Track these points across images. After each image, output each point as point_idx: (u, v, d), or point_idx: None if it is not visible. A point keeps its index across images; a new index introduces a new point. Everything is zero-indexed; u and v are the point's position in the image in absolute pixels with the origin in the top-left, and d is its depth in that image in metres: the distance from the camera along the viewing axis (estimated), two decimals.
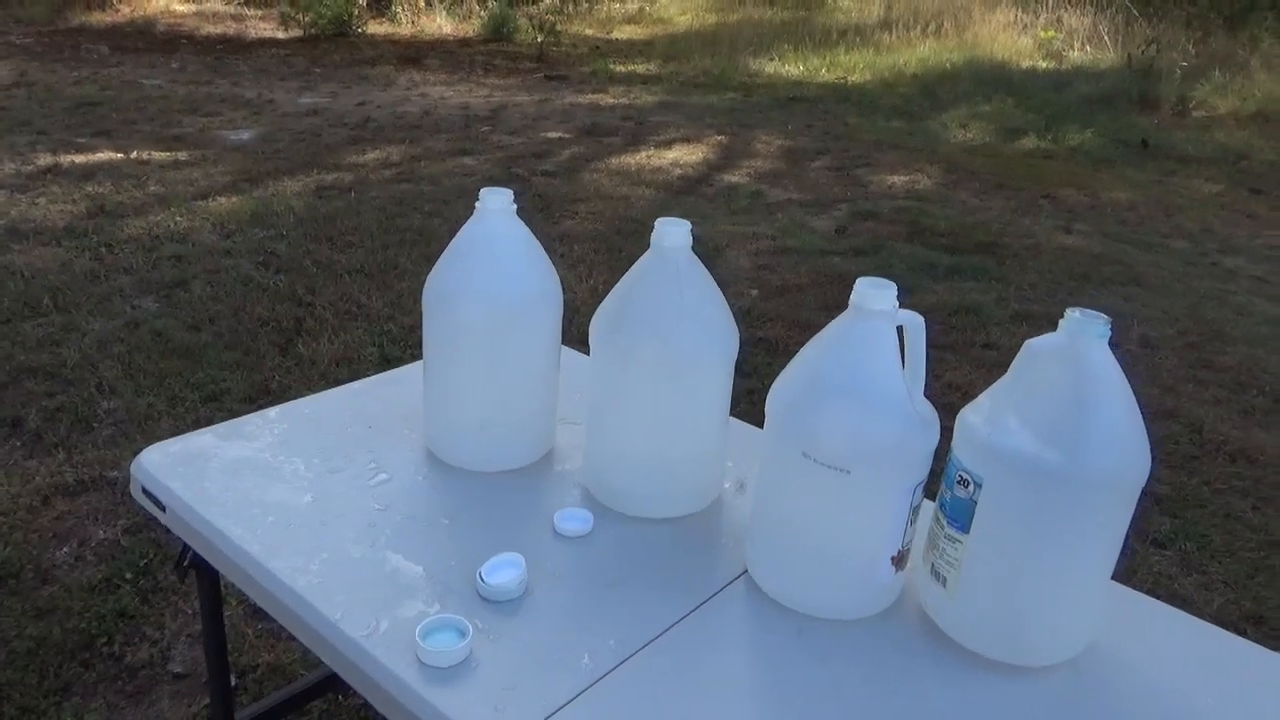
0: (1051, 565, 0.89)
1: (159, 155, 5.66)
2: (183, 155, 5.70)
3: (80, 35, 9.75)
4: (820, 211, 5.33)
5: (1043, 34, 10.45)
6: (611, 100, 8.30)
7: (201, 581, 1.24)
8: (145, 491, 1.17)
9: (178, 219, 4.53)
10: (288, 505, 1.12)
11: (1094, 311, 0.87)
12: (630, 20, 12.90)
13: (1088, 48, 10.15)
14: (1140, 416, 0.87)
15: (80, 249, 4.10)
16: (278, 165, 5.59)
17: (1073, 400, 0.85)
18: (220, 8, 12.05)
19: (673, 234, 1.07)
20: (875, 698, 0.89)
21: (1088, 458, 0.84)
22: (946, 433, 0.96)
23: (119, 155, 5.60)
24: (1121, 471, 0.86)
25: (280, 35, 10.69)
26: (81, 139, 5.92)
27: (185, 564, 1.20)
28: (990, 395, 0.93)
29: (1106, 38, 10.08)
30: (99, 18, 10.81)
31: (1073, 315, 0.87)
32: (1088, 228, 5.28)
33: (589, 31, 12.15)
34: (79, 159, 5.45)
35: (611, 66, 9.94)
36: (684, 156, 6.42)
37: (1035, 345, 0.89)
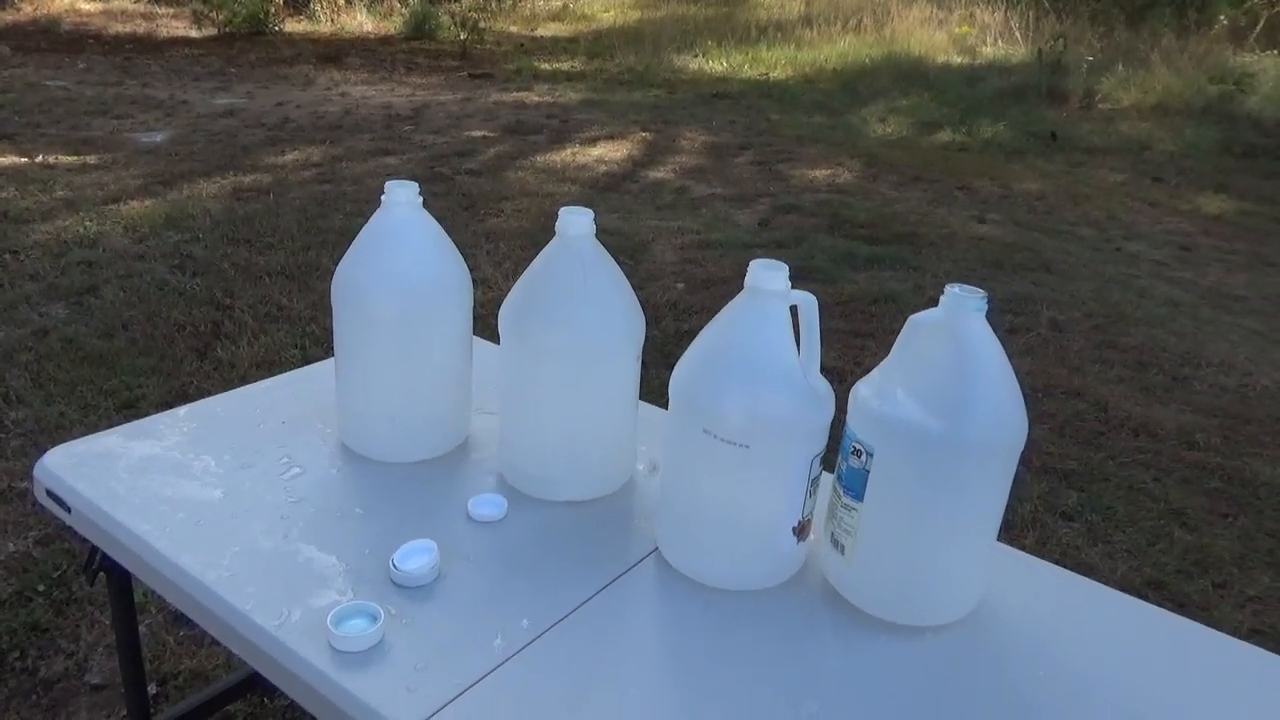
0: (939, 528, 0.94)
1: (66, 159, 5.47)
2: (91, 159, 5.53)
3: None
4: (744, 206, 5.41)
5: (957, 30, 10.75)
6: (536, 98, 8.29)
7: (112, 584, 1.23)
8: (50, 494, 1.15)
9: (87, 224, 4.40)
10: (197, 501, 1.11)
11: (971, 287, 0.92)
12: (554, 17, 12.87)
13: (1000, 43, 10.46)
14: (1016, 384, 0.92)
15: None
16: (192, 167, 5.46)
17: (953, 371, 0.90)
18: (129, 6, 11.67)
19: (576, 223, 1.09)
20: (780, 662, 0.93)
21: (968, 425, 0.89)
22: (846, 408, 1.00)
23: (23, 159, 5.40)
24: (1000, 437, 0.91)
25: (193, 34, 10.41)
26: None
27: (94, 567, 1.19)
28: (880, 369, 0.97)
29: (1018, 33, 10.40)
30: None
31: (951, 291, 0.92)
32: (1000, 217, 5.46)
33: (513, 29, 12.09)
34: None
35: (536, 64, 9.91)
36: (609, 153, 6.45)
37: (918, 320, 0.94)
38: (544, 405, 1.13)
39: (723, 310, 1.00)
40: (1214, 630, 1.03)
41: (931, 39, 10.70)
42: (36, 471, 1.17)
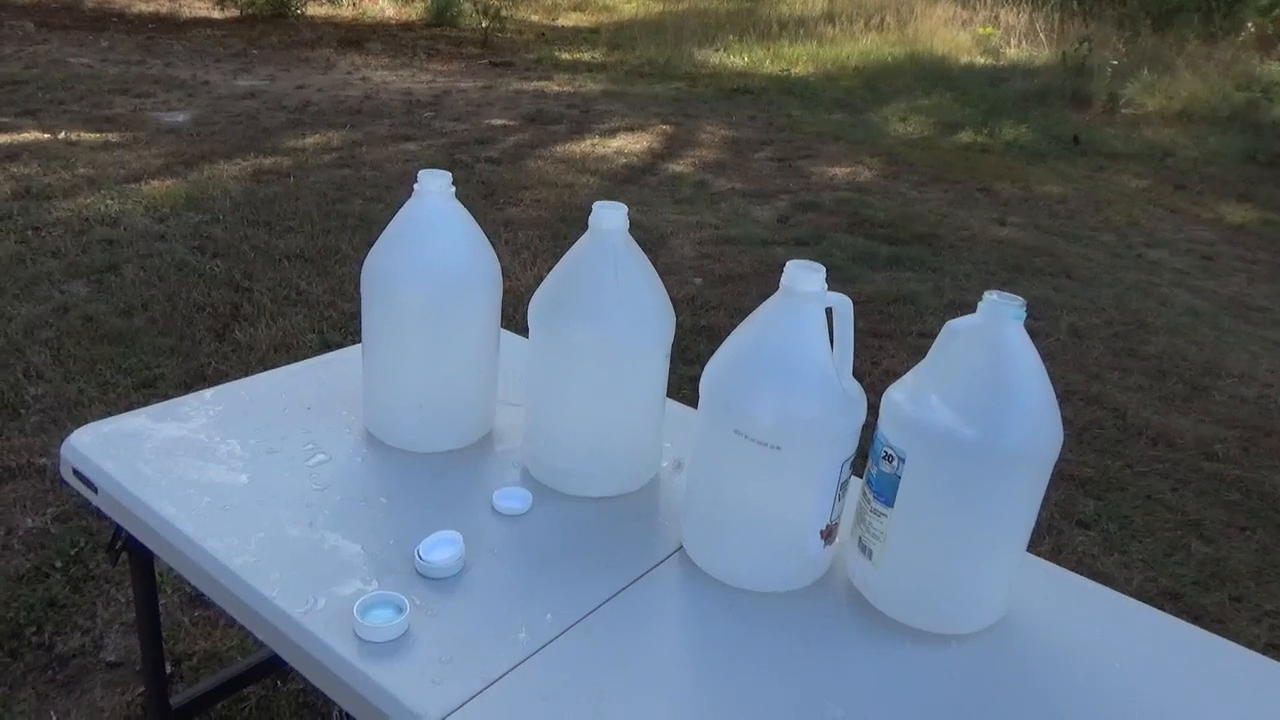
0: (970, 535, 0.94)
1: (88, 136, 5.50)
2: (113, 137, 5.55)
3: (3, 11, 9.39)
4: (763, 202, 5.39)
5: (981, 30, 10.68)
6: (556, 88, 8.27)
7: (134, 564, 1.23)
8: (76, 473, 1.15)
9: (108, 202, 4.41)
10: (224, 485, 1.11)
11: (1010, 294, 0.91)
12: (576, 7, 12.84)
13: (1024, 44, 10.39)
14: (1053, 393, 0.91)
15: (5, 232, 3.97)
16: (213, 148, 5.47)
17: (989, 378, 0.89)
18: None
19: (610, 217, 1.08)
20: (804, 666, 0.92)
21: (1003, 433, 0.89)
22: (877, 412, 0.99)
23: (46, 136, 5.42)
24: (1034, 445, 0.90)
25: (216, 15, 10.42)
26: (5, 118, 5.72)
27: (118, 547, 1.19)
28: (914, 374, 0.96)
29: (1042, 35, 10.33)
30: None
31: (990, 297, 0.91)
32: (1021, 220, 5.42)
33: (534, 18, 12.07)
34: (3, 139, 5.26)
35: (557, 54, 9.90)
36: (629, 145, 6.44)
37: (955, 326, 0.93)
38: (572, 400, 1.13)
39: (756, 310, 0.99)
40: (1235, 644, 1.02)
41: (955, 39, 10.63)
42: (63, 451, 1.17)
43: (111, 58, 7.92)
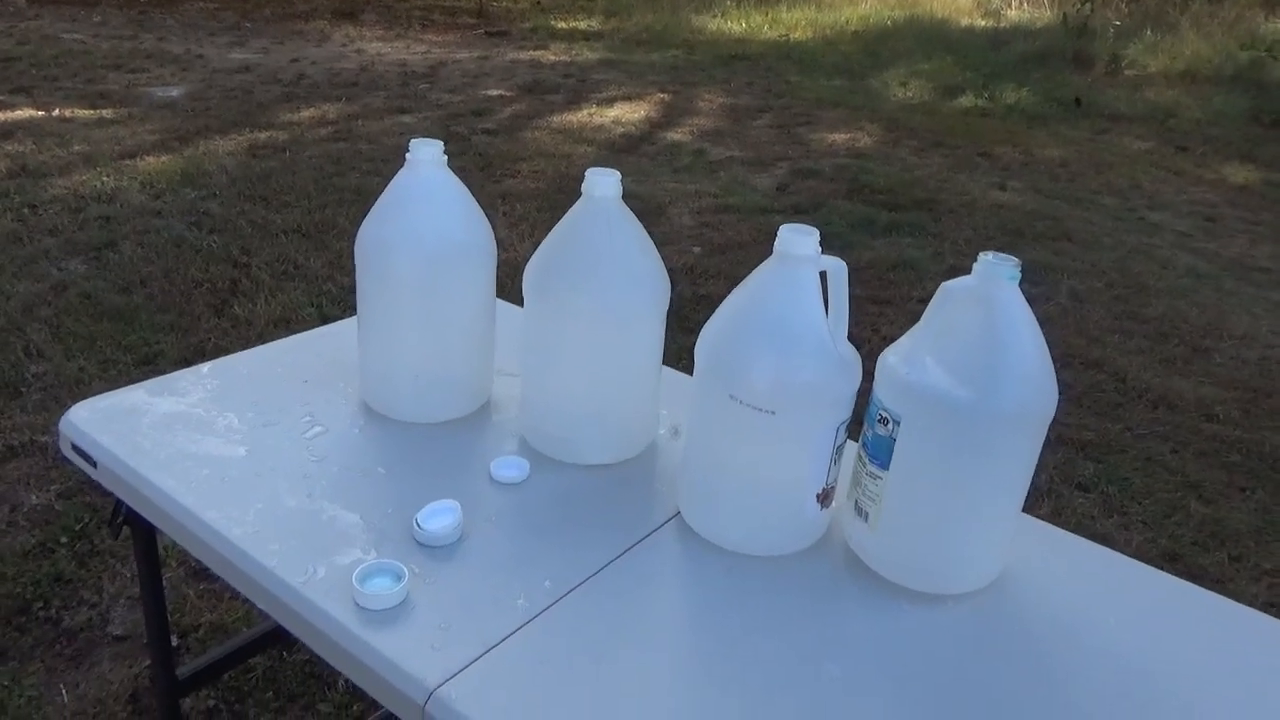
0: (966, 496, 0.94)
1: (83, 113, 5.46)
2: (108, 113, 5.52)
3: None
4: (762, 169, 5.36)
5: None
6: (553, 57, 8.20)
7: (136, 537, 1.24)
8: (75, 448, 1.16)
9: (104, 179, 4.40)
10: (222, 458, 1.12)
11: (1005, 255, 0.90)
12: None
13: (1025, 6, 10.27)
14: (1047, 353, 0.91)
15: (1, 210, 3.96)
16: (208, 123, 5.44)
17: (984, 339, 0.89)
18: None
19: (603, 183, 1.08)
20: (801, 627, 0.93)
21: (998, 394, 0.88)
22: (872, 376, 0.99)
23: (40, 113, 5.39)
24: (1029, 406, 0.90)
25: None
26: None
27: (119, 521, 1.20)
28: (909, 336, 0.96)
29: None
30: None
31: (985, 258, 0.90)
32: (1021, 184, 5.39)
33: None
34: None
35: (552, 23, 9.80)
36: (626, 114, 6.39)
37: (949, 287, 0.93)
38: (567, 367, 1.13)
39: (751, 274, 0.98)
40: (1232, 601, 1.02)
41: (955, 1, 10.51)
42: (62, 426, 1.18)
43: (104, 33, 7.86)
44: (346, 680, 0.90)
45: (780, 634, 0.92)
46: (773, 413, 0.94)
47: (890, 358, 0.95)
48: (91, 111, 5.51)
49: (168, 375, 1.30)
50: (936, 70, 8.25)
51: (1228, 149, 6.63)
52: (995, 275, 0.90)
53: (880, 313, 3.43)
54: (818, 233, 0.95)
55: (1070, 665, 0.91)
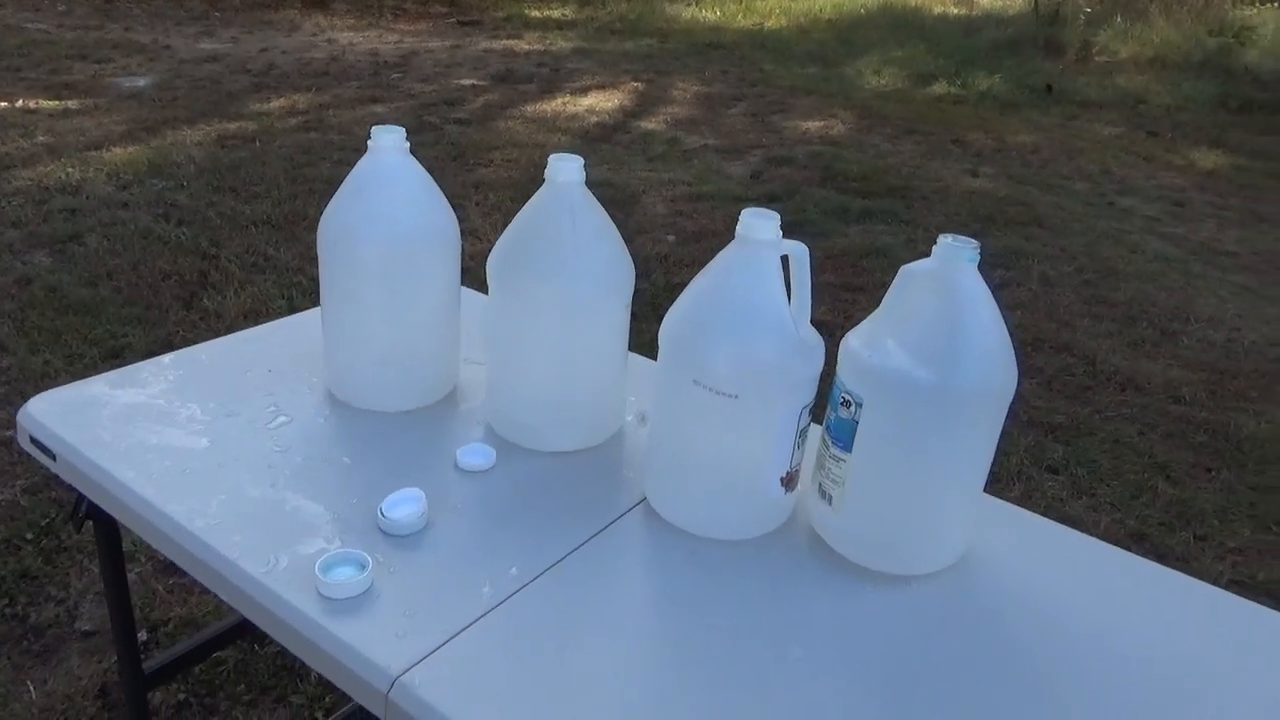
0: (928, 477, 0.94)
1: (47, 104, 5.38)
2: (73, 104, 5.43)
3: None
4: (736, 158, 5.36)
5: None
6: (526, 46, 8.16)
7: (99, 531, 1.22)
8: (34, 440, 1.14)
9: (69, 170, 4.33)
10: (184, 449, 1.11)
11: (964, 237, 0.91)
12: None
13: None
14: (1007, 334, 0.92)
15: None
16: (176, 114, 5.37)
17: (944, 321, 0.90)
18: None
19: (566, 169, 1.07)
20: (766, 610, 0.93)
21: (958, 374, 0.89)
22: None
23: (3, 104, 5.30)
24: (990, 387, 0.91)
25: None
26: None
27: (81, 515, 1.18)
28: (871, 320, 0.96)
29: None
30: None
31: (944, 241, 0.91)
32: (993, 171, 5.43)
33: None
34: None
35: (526, 11, 9.74)
36: (600, 103, 6.37)
37: (909, 270, 0.93)
38: (532, 355, 1.12)
39: (713, 260, 0.99)
40: (1195, 579, 1.04)
41: None
42: (20, 418, 1.16)
43: (68, 22, 7.73)
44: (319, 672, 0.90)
45: (745, 617, 0.92)
46: (735, 396, 0.94)
47: (852, 340, 0.96)
48: (56, 102, 5.42)
49: (129, 366, 1.28)
50: (909, 58, 8.28)
51: (1196, 134, 6.71)
52: (955, 257, 0.90)
53: (853, 300, 3.45)
54: (779, 217, 0.95)
55: (1032, 644, 0.92)
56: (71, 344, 2.89)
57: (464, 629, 0.88)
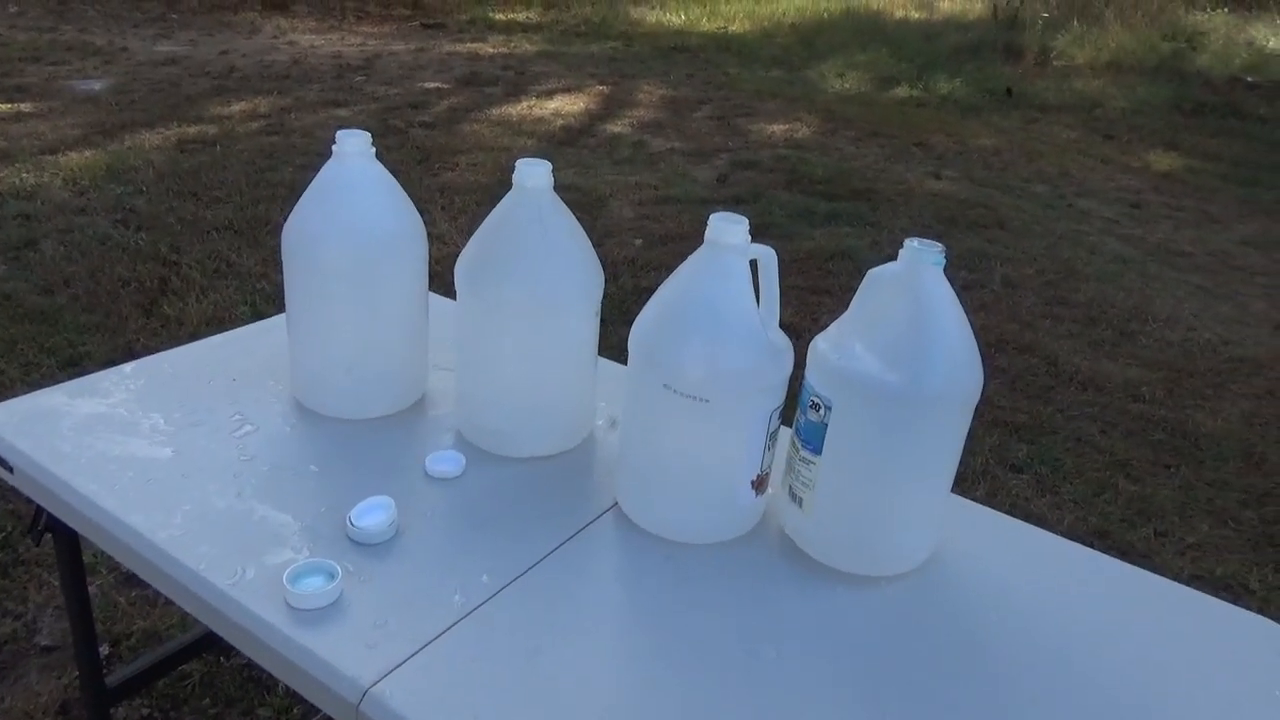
0: (897, 478, 0.95)
1: None
2: (26, 107, 5.32)
3: None
4: (702, 161, 5.38)
5: None
6: (491, 49, 8.13)
7: (59, 544, 1.20)
8: None
9: (24, 175, 4.24)
10: (146, 460, 1.09)
11: (929, 241, 0.92)
12: None
13: None
14: (973, 336, 0.93)
15: None
16: (134, 117, 5.28)
17: (910, 324, 0.91)
18: None
19: (534, 174, 1.07)
20: (737, 613, 0.94)
21: (924, 376, 0.90)
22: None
23: None
24: (956, 389, 0.92)
25: None
26: None
27: (40, 528, 1.16)
28: (839, 323, 0.97)
29: None
30: None
31: (910, 244, 0.92)
32: (956, 173, 5.49)
33: None
34: None
35: (490, 14, 9.71)
36: (566, 106, 6.36)
37: (876, 274, 0.94)
38: (501, 360, 1.12)
39: (682, 264, 0.99)
40: (1156, 575, 1.06)
41: None
42: None
43: (20, 23, 7.57)
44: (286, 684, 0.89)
45: (717, 619, 0.93)
46: (706, 400, 0.95)
47: (820, 344, 0.97)
48: (8, 105, 5.31)
49: (89, 376, 1.26)
50: (872, 61, 8.36)
51: (1152, 137, 6.84)
52: (921, 261, 0.91)
53: (820, 302, 3.47)
54: (747, 221, 0.95)
55: (999, 641, 0.93)
56: (28, 353, 2.83)
57: (435, 638, 0.87)
